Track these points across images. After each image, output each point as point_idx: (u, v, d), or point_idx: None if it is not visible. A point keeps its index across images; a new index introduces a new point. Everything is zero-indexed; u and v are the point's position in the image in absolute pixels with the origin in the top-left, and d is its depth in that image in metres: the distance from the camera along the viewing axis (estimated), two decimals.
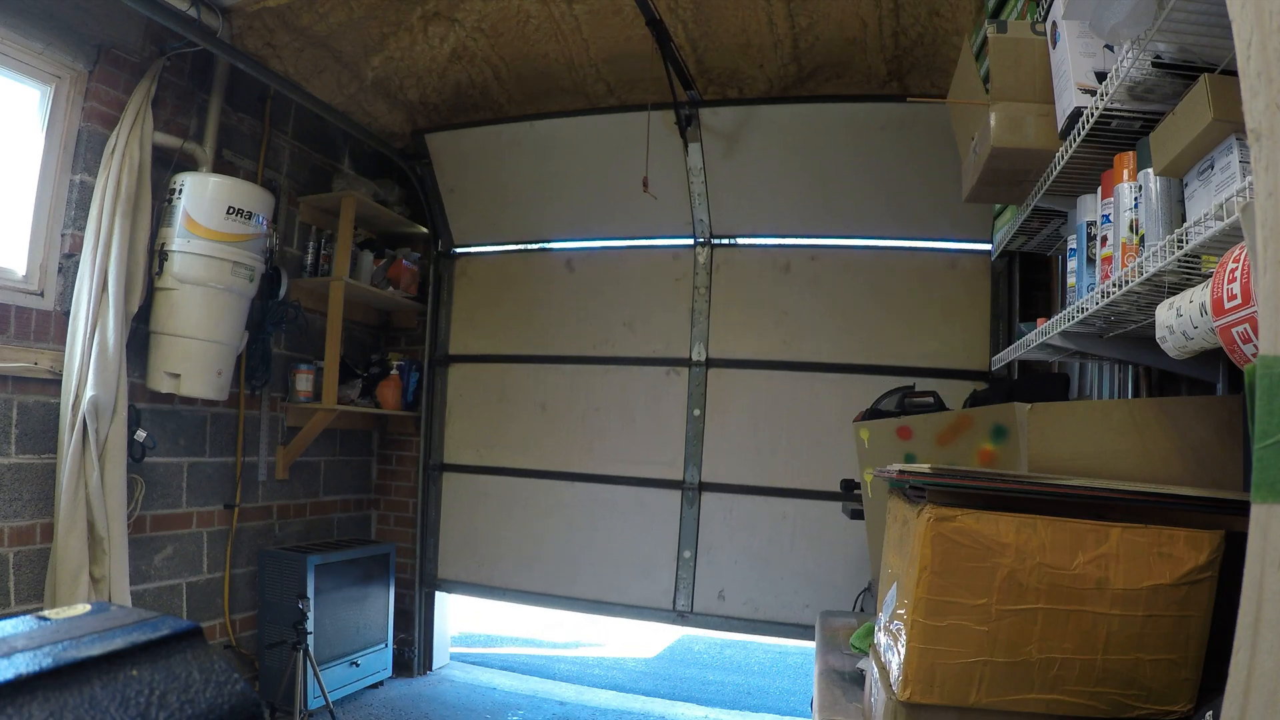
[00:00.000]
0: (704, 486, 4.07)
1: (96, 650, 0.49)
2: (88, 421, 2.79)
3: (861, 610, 3.26)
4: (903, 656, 1.15)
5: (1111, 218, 1.55)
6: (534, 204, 4.31)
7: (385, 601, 4.24)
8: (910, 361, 3.79)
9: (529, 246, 4.48)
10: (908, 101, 3.12)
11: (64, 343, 2.85)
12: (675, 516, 4.10)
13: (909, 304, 3.84)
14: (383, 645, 4.21)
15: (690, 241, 4.16)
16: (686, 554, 4.06)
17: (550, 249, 4.43)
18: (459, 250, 4.61)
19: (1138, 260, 1.36)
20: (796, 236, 4.05)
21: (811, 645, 2.29)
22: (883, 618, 1.36)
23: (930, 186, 3.60)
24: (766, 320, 4.04)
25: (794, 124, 3.73)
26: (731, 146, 3.84)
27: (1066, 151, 1.72)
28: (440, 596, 4.65)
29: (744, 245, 4.11)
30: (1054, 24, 1.73)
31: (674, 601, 4.07)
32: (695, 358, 4.11)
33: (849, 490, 3.13)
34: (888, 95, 3.64)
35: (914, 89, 3.57)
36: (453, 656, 4.85)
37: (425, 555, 4.56)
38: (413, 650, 4.52)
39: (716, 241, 4.12)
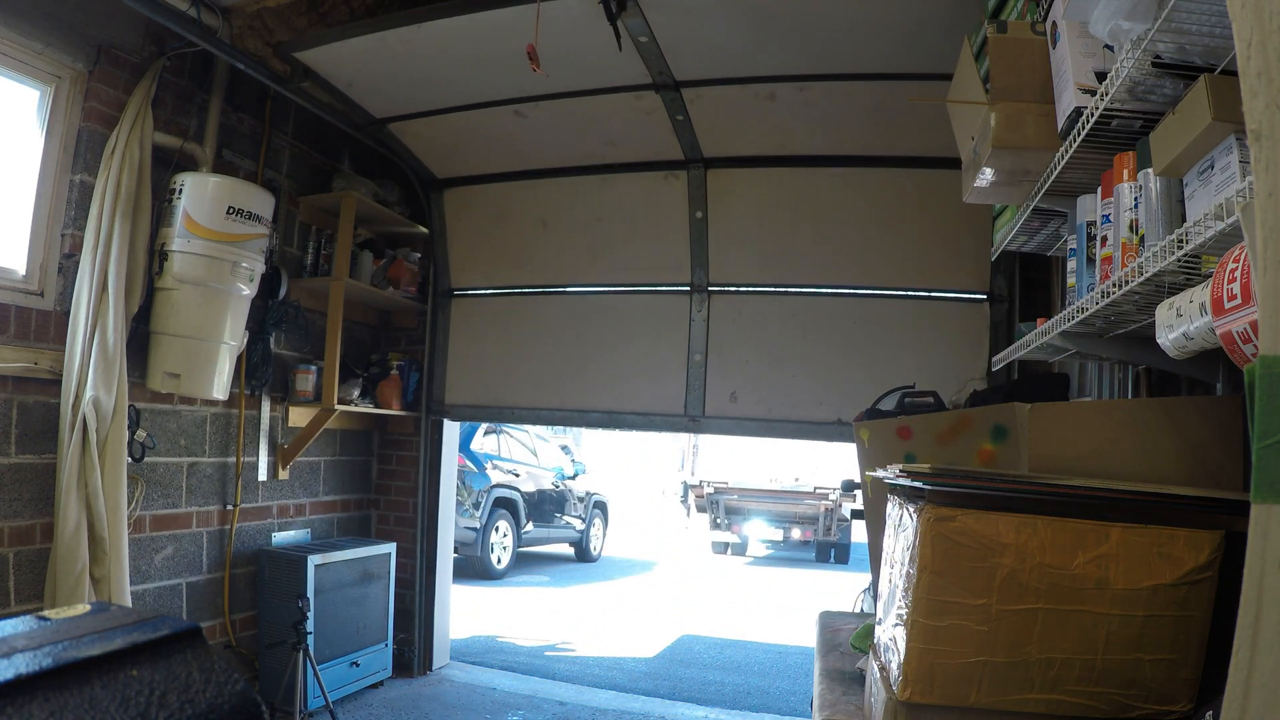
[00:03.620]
0: (711, 287, 4.00)
1: (96, 650, 0.49)
2: (88, 421, 2.79)
3: (861, 610, 3.26)
4: (903, 656, 1.15)
5: (1111, 218, 1.55)
6: (453, 80, 3.55)
7: (385, 601, 4.23)
8: (909, 151, 3.64)
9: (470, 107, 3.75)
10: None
11: (64, 343, 2.85)
12: (684, 320, 4.03)
13: (906, 98, 3.33)
14: (383, 645, 4.21)
15: (649, 85, 3.41)
16: (697, 357, 4.00)
17: (492, 106, 3.72)
18: (403, 117, 3.92)
19: (1138, 260, 1.36)
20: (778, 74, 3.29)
21: (812, 640, 2.29)
22: (883, 618, 1.36)
23: (944, 27, 2.84)
24: (758, 124, 3.65)
25: None
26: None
27: (1066, 151, 1.71)
28: (440, 595, 4.65)
29: (717, 84, 3.40)
30: (1054, 24, 1.73)
31: (685, 406, 4.01)
32: (690, 156, 3.91)
33: (849, 489, 3.13)
34: None
35: None
36: (453, 656, 4.85)
37: (433, 381, 4.55)
38: (413, 650, 4.51)
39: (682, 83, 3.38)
